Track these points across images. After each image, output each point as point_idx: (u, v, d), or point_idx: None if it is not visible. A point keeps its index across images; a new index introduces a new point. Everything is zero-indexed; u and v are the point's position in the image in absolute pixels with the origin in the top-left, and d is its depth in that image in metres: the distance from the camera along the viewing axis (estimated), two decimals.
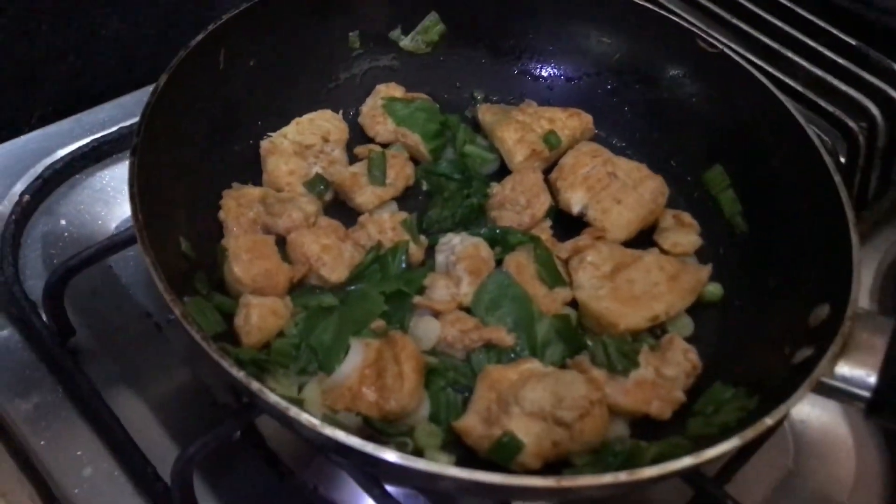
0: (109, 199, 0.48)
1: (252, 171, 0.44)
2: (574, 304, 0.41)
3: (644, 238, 0.45)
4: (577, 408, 0.34)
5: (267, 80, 0.44)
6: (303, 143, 0.43)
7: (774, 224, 0.43)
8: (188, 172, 0.40)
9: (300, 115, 0.45)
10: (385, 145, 0.46)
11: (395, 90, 0.47)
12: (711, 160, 0.46)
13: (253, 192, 0.41)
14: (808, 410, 0.43)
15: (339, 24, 0.47)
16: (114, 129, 0.50)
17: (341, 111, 0.47)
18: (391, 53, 0.48)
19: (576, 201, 0.44)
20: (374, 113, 0.46)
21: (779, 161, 0.43)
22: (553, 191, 0.45)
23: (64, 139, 0.50)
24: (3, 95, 0.52)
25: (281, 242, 0.41)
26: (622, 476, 0.29)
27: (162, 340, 0.40)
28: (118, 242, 0.42)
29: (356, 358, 0.35)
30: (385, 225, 0.41)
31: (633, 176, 0.45)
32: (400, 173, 0.43)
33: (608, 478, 0.29)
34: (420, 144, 0.45)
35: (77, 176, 0.48)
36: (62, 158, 0.48)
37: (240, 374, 0.30)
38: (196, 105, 0.41)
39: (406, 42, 0.48)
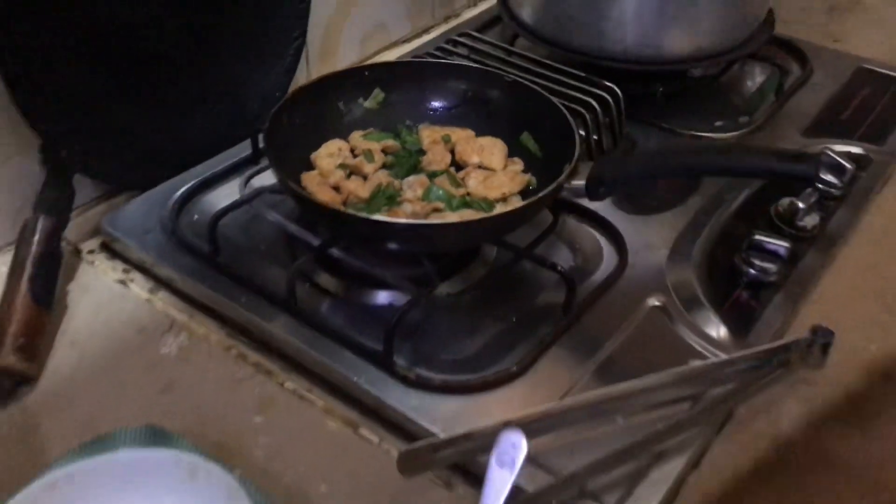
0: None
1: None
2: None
3: None
4: None
5: (303, 131, 0.90)
6: (329, 152, 0.89)
7: (553, 149, 0.89)
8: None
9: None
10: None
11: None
12: (521, 131, 0.89)
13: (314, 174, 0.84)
14: None
15: (334, 99, 0.91)
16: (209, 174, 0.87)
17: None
18: (361, 110, 0.89)
19: (474, 161, 0.83)
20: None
21: (553, 125, 0.89)
22: (458, 160, 0.84)
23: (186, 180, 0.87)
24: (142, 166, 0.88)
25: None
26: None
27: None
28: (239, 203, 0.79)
29: None
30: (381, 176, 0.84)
31: (489, 142, 0.90)
32: (379, 156, 0.88)
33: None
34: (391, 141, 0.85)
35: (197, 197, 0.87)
36: (192, 187, 0.85)
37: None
38: (278, 144, 0.85)
39: (367, 103, 0.93)
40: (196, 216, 0.84)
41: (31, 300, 0.73)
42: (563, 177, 0.73)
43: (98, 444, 0.60)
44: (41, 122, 0.78)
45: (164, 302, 0.79)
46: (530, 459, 0.57)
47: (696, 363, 0.69)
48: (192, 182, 0.86)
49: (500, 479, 0.49)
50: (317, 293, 0.76)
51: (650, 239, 0.82)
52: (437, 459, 0.63)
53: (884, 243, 0.88)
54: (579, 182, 0.77)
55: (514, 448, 0.50)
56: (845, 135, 1.00)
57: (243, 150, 0.91)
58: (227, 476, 0.58)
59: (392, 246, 0.76)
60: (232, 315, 0.76)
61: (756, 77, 1.08)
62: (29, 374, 0.71)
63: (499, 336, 0.76)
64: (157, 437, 0.61)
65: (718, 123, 1.01)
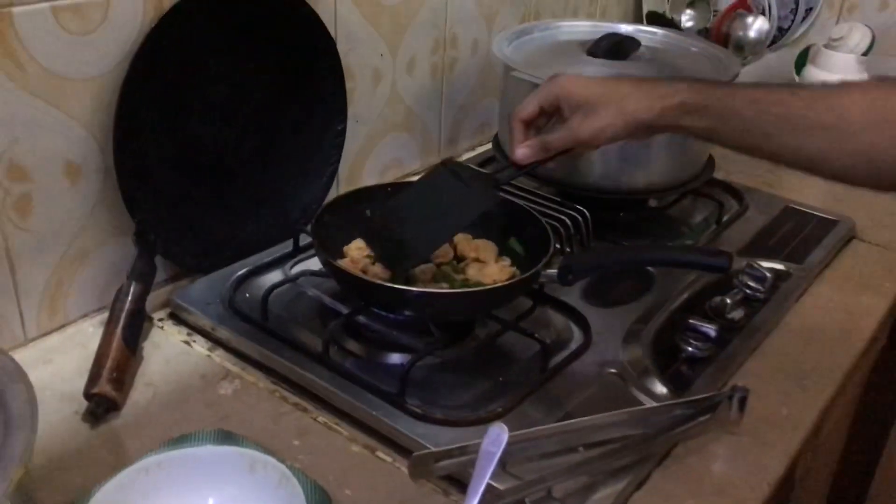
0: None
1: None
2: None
3: None
4: None
5: (338, 228, 1.14)
6: (357, 246, 1.12)
7: (534, 251, 1.14)
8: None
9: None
10: None
11: None
12: (509, 236, 1.17)
13: (346, 260, 1.08)
14: None
15: (364, 207, 1.16)
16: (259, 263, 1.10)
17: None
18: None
19: (471, 256, 1.06)
20: None
21: (535, 233, 1.15)
22: (459, 255, 1.10)
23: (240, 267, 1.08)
24: (207, 254, 1.17)
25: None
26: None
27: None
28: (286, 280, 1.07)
29: None
30: None
31: (483, 243, 1.15)
32: None
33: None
34: None
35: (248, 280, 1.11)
36: (246, 272, 1.09)
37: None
38: (321, 236, 1.10)
39: None
40: (247, 294, 1.04)
41: (123, 344, 0.94)
42: (540, 264, 0.97)
43: (181, 441, 0.80)
44: (138, 211, 1.01)
45: (221, 357, 0.98)
46: (506, 470, 0.78)
47: (642, 407, 0.90)
48: (245, 269, 1.07)
49: (489, 455, 0.69)
50: (344, 353, 0.96)
51: (610, 324, 1.02)
52: (437, 468, 0.83)
53: (800, 339, 1.10)
54: (553, 271, 1.00)
55: (499, 436, 0.71)
56: (772, 255, 1.25)
57: (285, 247, 1.14)
58: (280, 466, 0.78)
59: (407, 312, 0.98)
60: (276, 367, 0.98)
61: (701, 210, 1.33)
62: (117, 402, 0.91)
63: (488, 390, 0.96)
64: (225, 437, 0.81)
65: (669, 245, 1.24)
